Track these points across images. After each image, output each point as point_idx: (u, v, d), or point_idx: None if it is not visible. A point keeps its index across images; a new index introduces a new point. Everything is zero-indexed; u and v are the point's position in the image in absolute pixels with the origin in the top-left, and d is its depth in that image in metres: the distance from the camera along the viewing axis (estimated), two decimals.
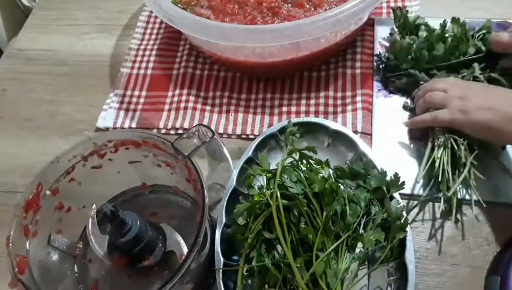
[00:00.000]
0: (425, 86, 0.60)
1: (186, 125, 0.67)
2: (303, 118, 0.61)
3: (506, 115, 0.50)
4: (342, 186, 0.51)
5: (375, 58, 0.69)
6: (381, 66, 0.67)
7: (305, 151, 0.50)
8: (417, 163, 0.59)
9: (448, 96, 0.55)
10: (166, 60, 0.75)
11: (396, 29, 0.68)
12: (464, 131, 0.54)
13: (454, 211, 0.54)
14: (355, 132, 0.62)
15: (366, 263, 0.49)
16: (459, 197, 0.55)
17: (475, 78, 0.59)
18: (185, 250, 0.50)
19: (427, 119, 0.57)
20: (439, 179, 0.54)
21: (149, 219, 0.50)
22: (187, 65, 0.74)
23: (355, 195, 0.49)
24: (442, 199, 0.53)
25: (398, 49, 0.64)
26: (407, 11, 0.66)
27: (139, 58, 0.76)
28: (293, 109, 0.67)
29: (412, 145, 0.61)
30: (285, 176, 0.48)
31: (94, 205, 0.50)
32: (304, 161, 0.51)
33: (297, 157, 0.51)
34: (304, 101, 0.67)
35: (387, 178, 0.51)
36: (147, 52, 0.77)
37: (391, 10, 0.68)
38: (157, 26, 0.80)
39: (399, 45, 0.64)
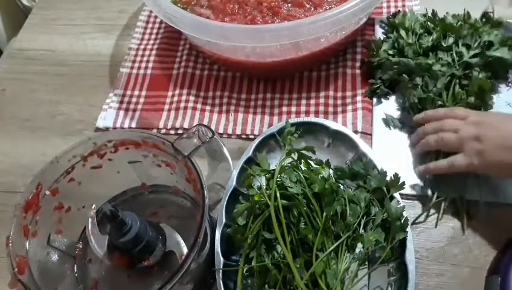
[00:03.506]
0: (433, 124, 0.55)
1: (186, 125, 0.67)
2: (303, 118, 0.61)
3: None
4: (342, 187, 0.51)
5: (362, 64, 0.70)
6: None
7: (304, 152, 0.50)
8: (417, 163, 0.59)
9: (461, 137, 0.50)
10: (166, 60, 0.75)
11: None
12: (483, 173, 0.51)
13: (464, 210, 0.54)
14: (356, 132, 0.62)
15: (367, 263, 0.49)
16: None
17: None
18: (185, 250, 0.50)
19: (442, 167, 0.53)
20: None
21: (149, 219, 0.50)
22: (187, 65, 0.74)
23: (355, 195, 0.49)
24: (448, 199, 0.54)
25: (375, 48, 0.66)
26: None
27: (138, 58, 0.76)
28: (293, 109, 0.67)
29: (412, 145, 0.61)
30: (285, 176, 0.48)
31: (94, 205, 0.50)
32: (303, 161, 0.51)
33: (296, 157, 0.51)
34: (304, 101, 0.67)
35: (387, 178, 0.51)
36: (147, 52, 0.77)
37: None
38: (157, 26, 0.80)
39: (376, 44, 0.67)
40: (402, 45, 0.64)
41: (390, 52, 0.65)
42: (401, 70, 0.62)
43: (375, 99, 0.65)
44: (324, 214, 0.46)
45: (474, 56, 0.60)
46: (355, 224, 0.47)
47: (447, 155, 0.53)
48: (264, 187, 0.48)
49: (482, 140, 0.49)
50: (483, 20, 0.65)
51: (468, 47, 0.61)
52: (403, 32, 0.65)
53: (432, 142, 0.54)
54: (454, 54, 0.60)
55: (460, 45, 0.61)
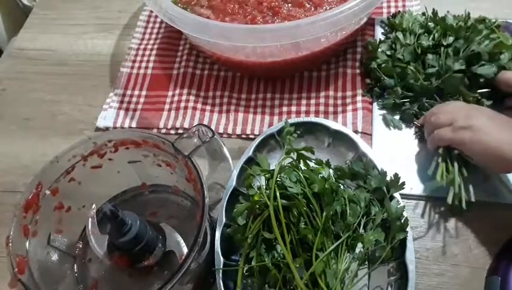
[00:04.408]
0: (432, 109, 0.58)
1: (186, 125, 0.67)
2: (303, 118, 0.61)
3: (505, 140, 0.48)
4: (342, 187, 0.51)
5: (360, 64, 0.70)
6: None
7: (303, 152, 0.50)
8: (417, 163, 0.59)
9: (454, 116, 0.53)
10: (167, 60, 0.75)
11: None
12: (463, 151, 0.52)
13: (464, 210, 0.53)
14: (356, 132, 0.62)
15: (367, 263, 0.49)
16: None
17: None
18: (185, 250, 0.50)
19: (434, 139, 0.55)
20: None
21: (149, 219, 0.50)
22: (187, 65, 0.74)
23: (355, 195, 0.49)
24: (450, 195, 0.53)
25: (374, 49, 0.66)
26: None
27: (139, 58, 0.76)
28: (293, 108, 0.67)
29: (412, 145, 0.61)
30: (285, 176, 0.48)
31: (94, 205, 0.50)
32: (302, 161, 0.51)
33: (295, 157, 0.51)
34: (304, 101, 0.67)
35: (387, 178, 0.51)
36: (147, 52, 0.77)
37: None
38: (157, 25, 0.80)
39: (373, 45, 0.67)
40: (398, 46, 0.64)
41: (388, 53, 0.65)
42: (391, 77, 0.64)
43: (375, 99, 0.65)
44: (324, 214, 0.46)
45: (458, 71, 0.59)
46: (355, 224, 0.47)
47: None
48: (264, 187, 0.48)
49: (471, 118, 0.51)
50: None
51: (457, 53, 0.59)
52: (399, 34, 0.65)
53: (428, 124, 0.56)
54: (442, 66, 0.60)
55: (443, 56, 0.60)
